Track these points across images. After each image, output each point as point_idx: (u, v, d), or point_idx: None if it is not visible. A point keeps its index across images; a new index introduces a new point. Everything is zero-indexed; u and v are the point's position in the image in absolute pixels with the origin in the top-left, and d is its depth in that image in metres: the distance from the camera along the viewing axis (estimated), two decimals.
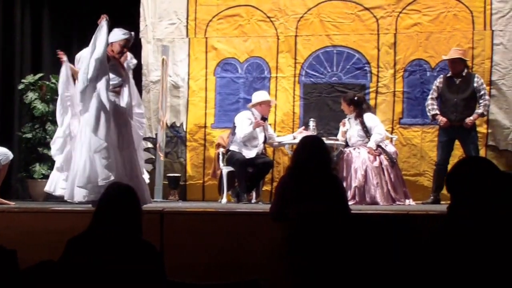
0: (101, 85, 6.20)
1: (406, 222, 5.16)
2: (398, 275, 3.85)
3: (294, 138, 7.95)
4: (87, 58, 6.24)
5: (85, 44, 6.58)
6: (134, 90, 6.99)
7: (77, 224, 3.79)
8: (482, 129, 8.27)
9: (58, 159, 7.02)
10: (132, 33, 6.60)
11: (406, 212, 5.82)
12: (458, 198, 2.82)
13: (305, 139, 4.94)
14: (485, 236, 2.69)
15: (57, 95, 7.69)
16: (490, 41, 8.46)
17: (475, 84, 7.73)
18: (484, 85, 7.83)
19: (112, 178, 6.00)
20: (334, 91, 8.79)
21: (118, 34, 6.45)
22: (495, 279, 2.63)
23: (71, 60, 7.08)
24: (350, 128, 7.89)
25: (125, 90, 6.51)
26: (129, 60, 6.96)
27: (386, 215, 5.62)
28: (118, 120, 6.34)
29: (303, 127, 8.26)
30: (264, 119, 7.96)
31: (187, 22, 9.11)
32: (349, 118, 7.95)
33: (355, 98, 7.91)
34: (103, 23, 6.23)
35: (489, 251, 2.66)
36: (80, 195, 6.22)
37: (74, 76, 6.97)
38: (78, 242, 3.28)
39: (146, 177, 7.34)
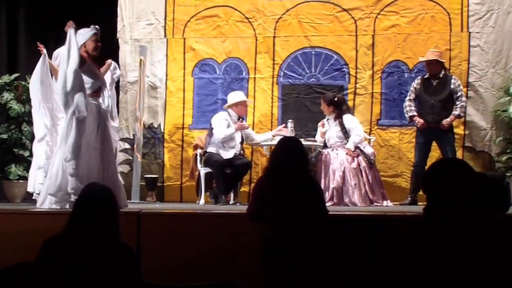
0: (78, 95, 6.16)
1: (383, 223, 5.17)
2: (376, 276, 3.85)
3: (273, 137, 7.95)
4: (62, 72, 6.18)
5: (62, 43, 6.53)
6: (113, 101, 6.93)
7: (52, 226, 3.75)
8: (459, 130, 8.32)
9: (38, 158, 6.95)
10: (97, 26, 6.54)
11: (384, 213, 5.83)
12: (434, 199, 2.83)
13: (283, 141, 4.94)
14: (461, 236, 2.69)
15: None
16: (467, 43, 8.52)
17: (452, 86, 7.77)
18: (461, 87, 7.88)
19: (81, 186, 5.97)
20: (312, 92, 8.80)
21: (85, 33, 6.41)
22: (473, 280, 2.63)
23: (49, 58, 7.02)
24: (329, 129, 7.89)
25: (105, 93, 6.49)
26: (113, 70, 6.91)
27: (364, 216, 5.63)
28: (100, 121, 6.32)
29: (283, 125, 8.26)
30: (240, 119, 7.93)
31: (165, 23, 9.07)
32: (328, 119, 7.95)
33: (335, 99, 7.91)
34: (71, 32, 6.18)
35: (466, 252, 2.66)
36: (48, 202, 6.19)
37: (52, 72, 6.91)
38: (54, 243, 3.24)
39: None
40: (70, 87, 6.13)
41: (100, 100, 6.48)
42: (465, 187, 2.77)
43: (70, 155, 6.09)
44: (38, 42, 7.05)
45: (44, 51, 6.95)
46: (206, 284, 3.57)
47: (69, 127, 6.14)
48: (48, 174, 6.40)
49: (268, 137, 8.10)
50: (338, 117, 7.83)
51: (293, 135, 7.64)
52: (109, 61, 6.78)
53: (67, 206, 6.05)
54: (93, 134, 6.25)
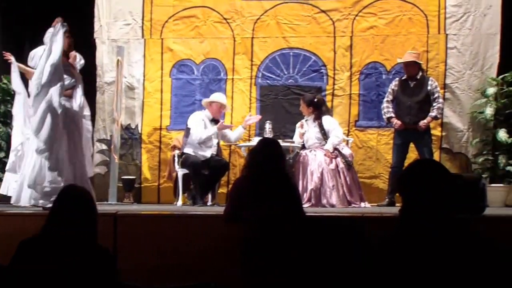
0: (54, 90, 6.11)
1: (361, 224, 5.17)
2: (352, 277, 3.85)
3: (250, 140, 7.91)
4: (41, 64, 6.13)
5: (38, 43, 6.47)
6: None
7: (26, 228, 3.71)
8: (436, 131, 8.37)
9: (10, 160, 6.92)
10: (64, 23, 6.47)
11: (361, 214, 5.83)
12: (410, 200, 2.82)
13: (262, 142, 4.93)
14: (437, 238, 2.69)
15: (8, 96, 7.54)
16: (444, 45, 8.58)
17: (429, 87, 7.81)
18: (438, 88, 7.92)
19: (59, 179, 5.92)
20: (290, 94, 8.80)
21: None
22: (449, 281, 2.63)
23: (25, 60, 6.95)
24: (308, 130, 7.87)
25: (78, 92, 6.43)
26: (77, 61, 6.85)
27: (342, 218, 5.62)
28: (69, 124, 6.25)
29: (250, 113, 8.28)
30: (216, 121, 7.86)
31: (143, 23, 9.02)
32: (307, 120, 7.93)
33: (315, 99, 7.90)
34: (59, 27, 6.12)
35: (441, 253, 2.66)
36: (26, 199, 6.12)
37: (26, 76, 6.85)
38: (30, 245, 3.21)
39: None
40: (46, 80, 6.07)
41: (73, 101, 6.41)
42: (442, 188, 2.77)
43: (43, 146, 6.01)
44: (3, 52, 6.99)
45: (12, 59, 6.90)
46: (184, 285, 3.55)
47: (42, 121, 6.06)
48: (22, 169, 6.30)
49: (241, 131, 8.03)
50: (318, 118, 7.82)
51: (271, 136, 7.62)
52: (73, 53, 6.73)
53: (42, 202, 5.98)
54: (55, 135, 6.18)
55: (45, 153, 6.02)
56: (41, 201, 6.03)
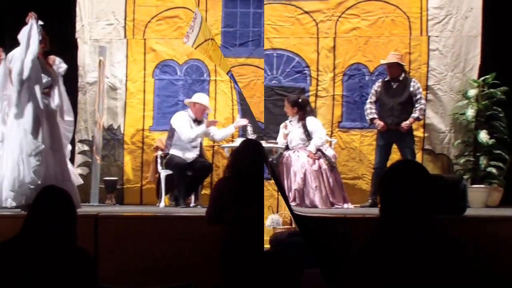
0: (37, 86, 6.07)
1: (343, 225, 5.18)
2: (334, 278, 3.85)
3: (233, 141, 7.90)
4: (20, 59, 6.08)
5: (18, 43, 6.42)
6: (65, 95, 6.81)
7: (6, 229, 3.67)
8: (418, 133, 8.40)
9: None
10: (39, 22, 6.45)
11: (344, 215, 5.84)
12: (392, 200, 2.83)
13: (245, 143, 4.93)
14: (419, 238, 2.70)
15: None
16: (426, 47, 8.62)
17: (411, 89, 7.85)
18: (421, 90, 7.96)
19: (39, 183, 5.86)
20: (274, 94, 8.80)
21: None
22: (431, 283, 2.64)
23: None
24: (292, 131, 7.88)
25: (55, 92, 6.39)
26: (58, 64, 6.79)
27: (324, 218, 5.63)
28: (50, 121, 6.21)
29: (239, 115, 8.26)
30: (198, 121, 7.85)
31: (125, 23, 8.98)
32: (291, 121, 7.94)
33: (299, 100, 7.91)
34: (32, 22, 6.09)
35: (423, 253, 2.67)
36: (4, 199, 6.05)
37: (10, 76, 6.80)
38: (7, 247, 3.17)
39: (78, 179, 7.21)
40: (27, 75, 6.04)
41: (51, 99, 6.38)
42: (423, 189, 2.78)
43: (41, 146, 5.97)
44: None
45: (3, 55, 6.84)
46: (166, 286, 3.54)
47: (37, 121, 6.02)
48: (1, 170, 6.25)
49: (229, 131, 8.03)
50: (302, 119, 7.83)
51: (254, 137, 7.62)
52: (53, 57, 6.68)
53: (23, 202, 5.93)
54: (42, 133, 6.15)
55: (39, 154, 5.98)
56: (19, 199, 5.97)
